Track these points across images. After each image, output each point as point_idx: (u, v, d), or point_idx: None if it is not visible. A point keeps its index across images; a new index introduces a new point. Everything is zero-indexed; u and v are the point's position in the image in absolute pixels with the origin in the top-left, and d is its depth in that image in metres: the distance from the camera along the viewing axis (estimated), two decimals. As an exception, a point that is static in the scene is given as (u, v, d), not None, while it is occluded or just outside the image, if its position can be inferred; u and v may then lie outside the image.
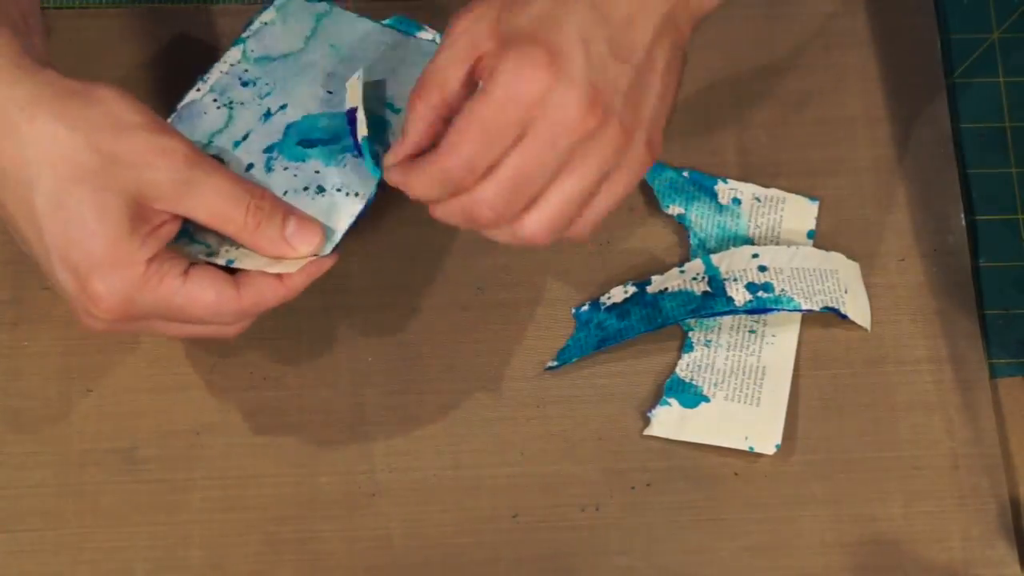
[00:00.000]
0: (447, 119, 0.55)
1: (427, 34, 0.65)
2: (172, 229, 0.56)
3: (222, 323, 0.57)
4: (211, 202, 0.55)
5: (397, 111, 0.62)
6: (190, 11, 0.73)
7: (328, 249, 0.58)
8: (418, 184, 0.55)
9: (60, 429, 0.65)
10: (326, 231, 0.58)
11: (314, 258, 0.57)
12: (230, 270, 0.57)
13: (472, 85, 0.55)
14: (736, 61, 0.74)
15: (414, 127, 0.56)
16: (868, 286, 0.69)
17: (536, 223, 0.55)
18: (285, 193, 0.59)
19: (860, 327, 0.68)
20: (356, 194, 0.59)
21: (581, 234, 0.57)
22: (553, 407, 0.67)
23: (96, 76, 0.55)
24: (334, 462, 0.65)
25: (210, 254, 0.57)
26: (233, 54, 0.64)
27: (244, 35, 0.64)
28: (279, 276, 0.57)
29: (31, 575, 0.63)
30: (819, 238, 0.70)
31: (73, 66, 0.56)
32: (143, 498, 0.65)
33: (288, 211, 0.57)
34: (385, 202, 0.70)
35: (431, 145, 0.55)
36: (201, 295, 0.55)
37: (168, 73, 0.71)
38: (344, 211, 0.59)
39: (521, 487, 0.65)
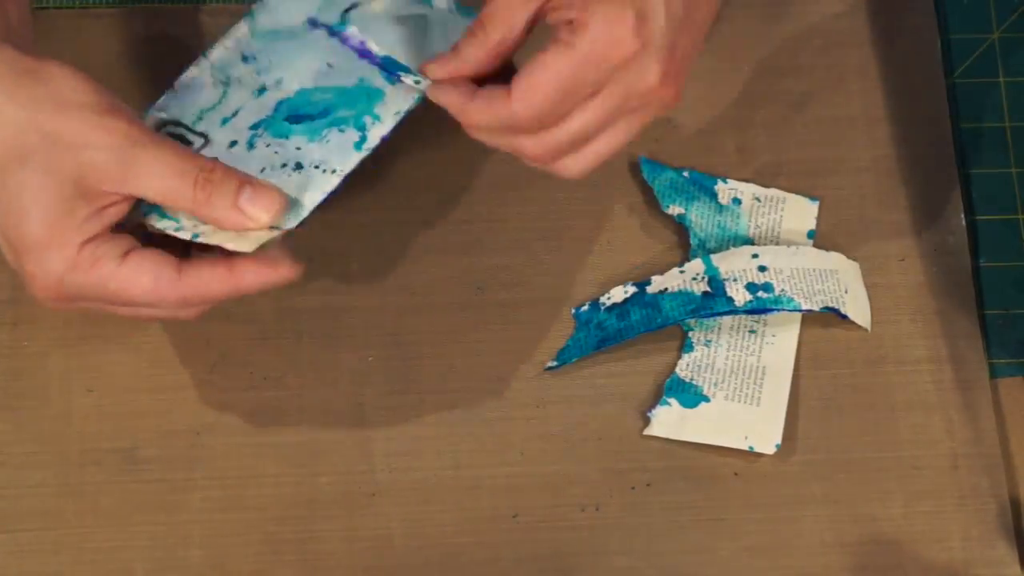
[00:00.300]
0: (501, 55, 0.55)
1: (442, 2, 0.64)
2: (120, 210, 0.54)
3: (164, 308, 0.56)
4: (157, 180, 0.54)
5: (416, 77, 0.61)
6: (189, 11, 0.73)
7: (293, 223, 0.56)
8: (477, 115, 0.55)
9: (60, 429, 0.65)
10: (293, 204, 0.57)
11: (279, 231, 0.56)
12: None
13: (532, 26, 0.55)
14: (736, 61, 0.74)
15: (472, 53, 0.55)
16: (868, 286, 0.69)
17: (575, 167, 0.56)
18: (262, 171, 0.58)
19: (860, 327, 0.68)
20: (333, 171, 0.59)
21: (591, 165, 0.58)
22: (553, 407, 0.67)
23: (96, 76, 0.55)
24: (334, 462, 0.65)
25: (178, 229, 0.56)
26: (241, 28, 0.63)
27: (254, 7, 0.63)
28: (228, 267, 0.56)
29: (31, 575, 0.63)
30: (819, 238, 0.70)
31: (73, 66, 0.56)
32: (143, 498, 0.65)
33: (243, 180, 0.55)
34: (385, 203, 0.70)
35: (477, 76, 0.56)
36: (137, 280, 0.54)
37: (168, 73, 0.71)
38: (317, 187, 0.58)
39: (521, 487, 0.65)
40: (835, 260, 0.69)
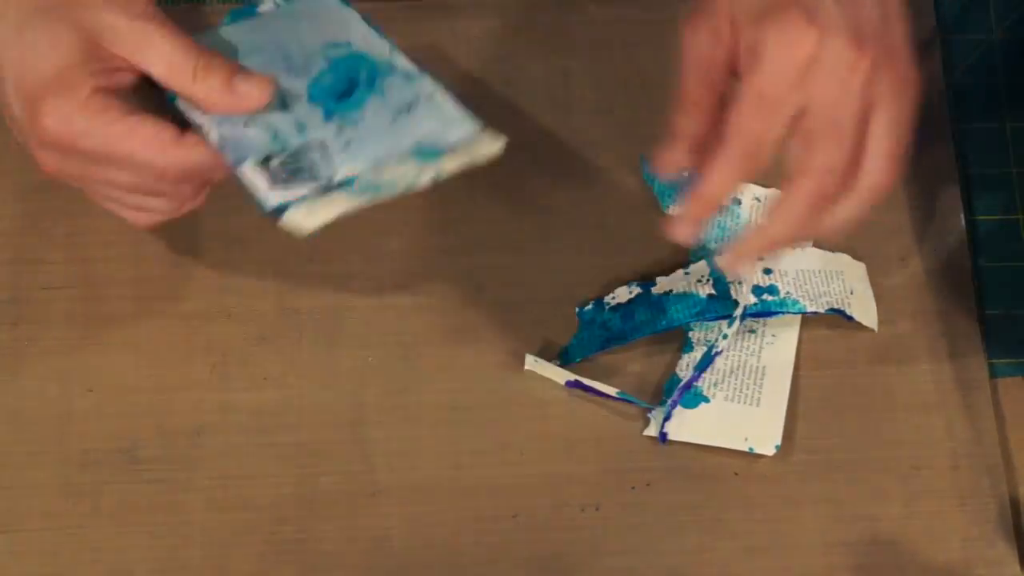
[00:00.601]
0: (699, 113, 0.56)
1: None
2: (126, 78, 0.57)
3: (157, 168, 0.57)
4: (162, 54, 0.57)
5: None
6: (189, 11, 0.73)
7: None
8: (715, 178, 0.55)
9: (60, 429, 0.65)
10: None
11: (350, 205, 0.58)
12: None
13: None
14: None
15: (694, 124, 0.56)
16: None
17: (875, 166, 0.55)
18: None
19: (860, 327, 0.68)
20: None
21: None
22: (553, 407, 0.67)
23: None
24: (334, 462, 0.66)
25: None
26: None
27: None
28: None
29: (31, 575, 0.63)
30: (819, 239, 0.70)
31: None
32: (143, 498, 0.65)
33: (237, 68, 0.58)
34: (385, 203, 0.70)
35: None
36: (141, 129, 0.56)
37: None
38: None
39: (521, 487, 0.66)
40: (840, 261, 0.69)
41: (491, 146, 0.59)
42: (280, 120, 0.59)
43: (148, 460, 0.65)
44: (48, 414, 0.66)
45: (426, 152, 0.58)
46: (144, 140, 0.56)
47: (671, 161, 0.58)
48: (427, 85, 0.60)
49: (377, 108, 0.59)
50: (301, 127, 0.59)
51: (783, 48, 0.53)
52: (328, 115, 0.59)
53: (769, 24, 0.53)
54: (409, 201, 0.70)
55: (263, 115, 0.59)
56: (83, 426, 0.66)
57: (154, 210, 0.61)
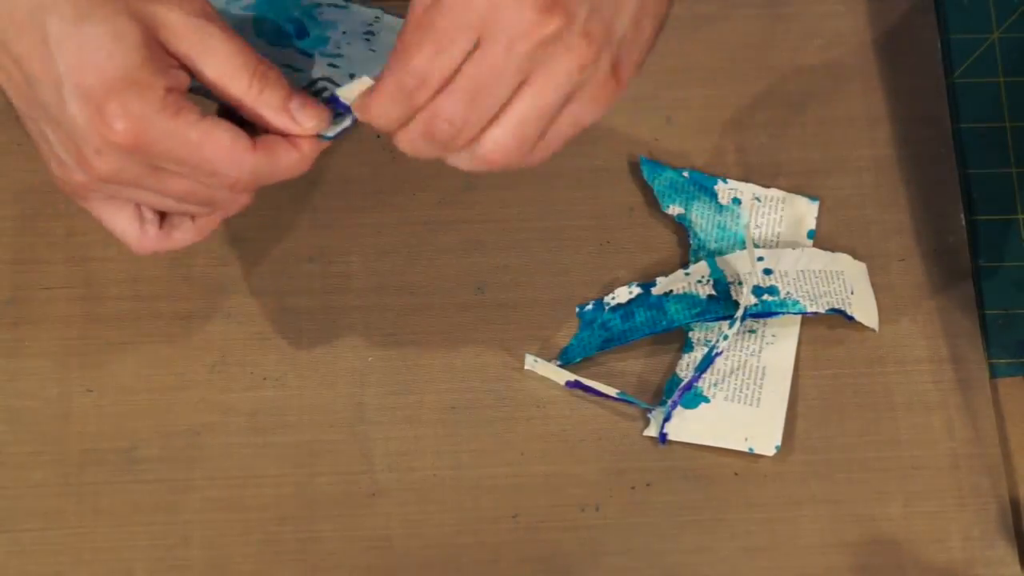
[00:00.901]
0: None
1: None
2: (184, 79, 0.53)
3: (230, 178, 0.54)
4: (219, 58, 0.53)
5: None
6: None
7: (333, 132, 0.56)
8: (376, 108, 0.53)
9: (60, 429, 0.65)
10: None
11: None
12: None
13: None
14: (736, 61, 0.74)
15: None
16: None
17: (495, 141, 0.53)
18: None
19: (861, 327, 0.68)
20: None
21: (541, 158, 0.55)
22: (553, 407, 0.67)
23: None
24: (334, 462, 0.65)
25: None
26: None
27: None
28: (292, 141, 0.55)
29: (31, 575, 0.63)
30: (819, 238, 0.70)
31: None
32: (143, 498, 0.65)
33: (294, 91, 0.55)
34: (385, 203, 0.70)
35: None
36: (218, 134, 0.53)
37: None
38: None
39: (521, 487, 0.65)
40: (841, 261, 0.69)
41: None
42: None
43: (147, 460, 0.65)
44: (47, 414, 0.66)
45: None
46: (223, 147, 0.53)
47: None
48: (363, 11, 0.59)
49: (342, 40, 0.58)
50: (296, 69, 0.57)
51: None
52: (307, 55, 0.58)
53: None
54: (409, 201, 0.70)
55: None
56: (82, 426, 0.66)
57: (194, 219, 0.58)
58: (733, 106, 0.73)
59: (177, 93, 0.53)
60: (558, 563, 0.64)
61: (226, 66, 0.54)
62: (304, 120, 0.55)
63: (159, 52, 0.52)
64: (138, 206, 0.58)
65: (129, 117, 0.52)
